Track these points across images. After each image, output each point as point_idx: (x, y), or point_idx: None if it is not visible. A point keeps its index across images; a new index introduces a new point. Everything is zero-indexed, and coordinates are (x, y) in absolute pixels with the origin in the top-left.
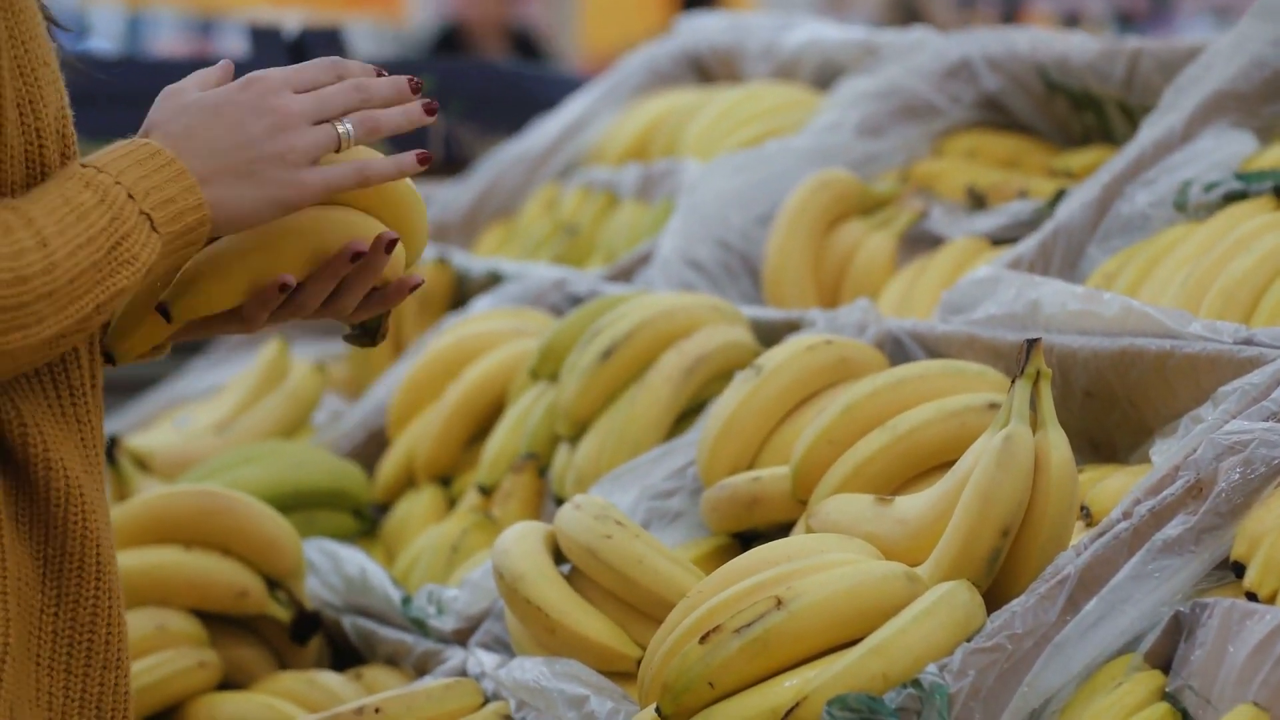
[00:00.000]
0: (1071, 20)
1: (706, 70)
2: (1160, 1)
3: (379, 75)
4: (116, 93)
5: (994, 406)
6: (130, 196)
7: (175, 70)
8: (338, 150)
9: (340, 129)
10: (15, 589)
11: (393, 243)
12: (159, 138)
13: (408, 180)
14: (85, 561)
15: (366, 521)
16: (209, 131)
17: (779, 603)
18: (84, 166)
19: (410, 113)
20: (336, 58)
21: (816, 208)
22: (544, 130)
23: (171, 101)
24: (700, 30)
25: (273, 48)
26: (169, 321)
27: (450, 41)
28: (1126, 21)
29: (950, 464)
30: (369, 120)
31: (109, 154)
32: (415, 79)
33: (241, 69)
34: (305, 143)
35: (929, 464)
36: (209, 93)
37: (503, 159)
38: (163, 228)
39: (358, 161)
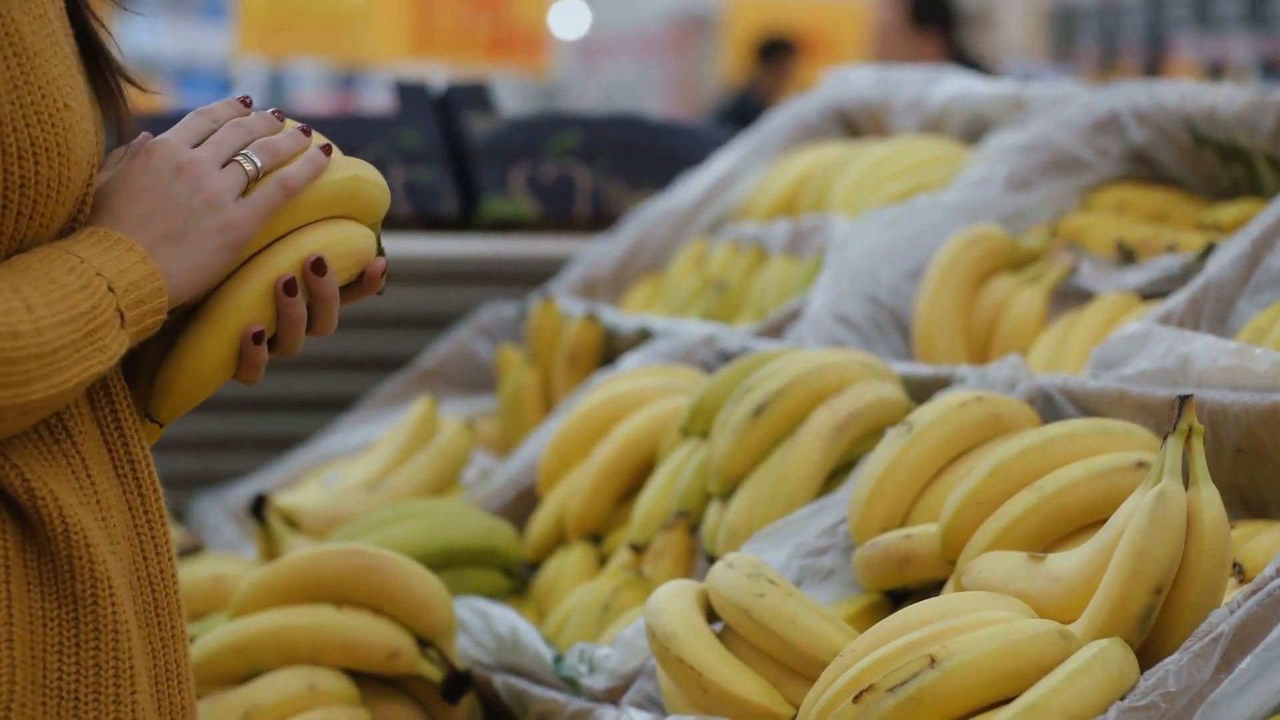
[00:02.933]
0: (1216, 68)
1: (853, 124)
2: None
3: (246, 108)
4: None
5: (1142, 465)
6: (110, 290)
7: (318, 126)
8: (251, 182)
9: (247, 165)
10: (23, 635)
11: (319, 263)
12: (107, 226)
13: (346, 166)
14: (99, 603)
15: (517, 580)
16: (137, 208)
17: (932, 661)
18: (66, 252)
19: (295, 136)
20: (202, 106)
21: (966, 263)
22: (692, 186)
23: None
24: (847, 84)
25: (419, 103)
26: (161, 427)
27: (745, 109)
28: (1271, 68)
29: (1098, 524)
30: (268, 147)
31: (81, 243)
32: (279, 109)
33: (388, 125)
34: (224, 184)
35: (1077, 524)
36: (115, 174)
37: (651, 215)
38: (130, 325)
39: (275, 176)
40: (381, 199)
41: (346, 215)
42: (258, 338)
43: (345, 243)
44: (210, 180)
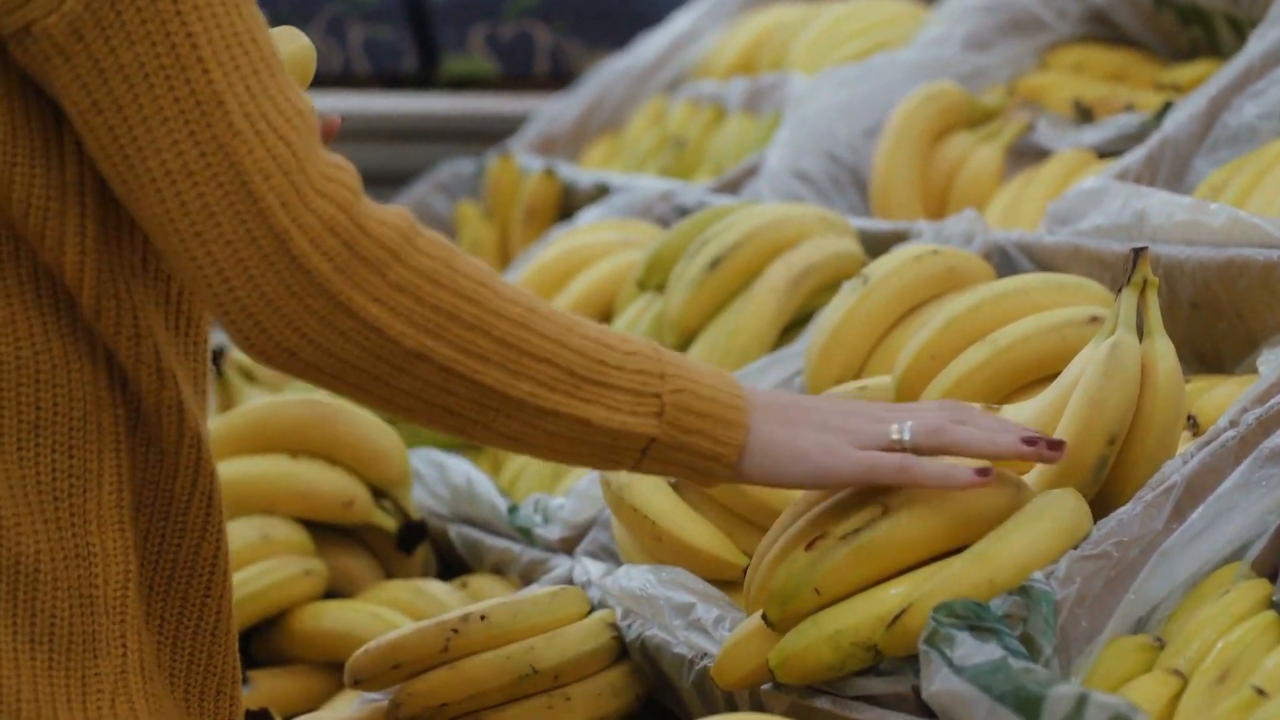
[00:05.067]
0: None
1: None
2: None
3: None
4: None
5: (1095, 320)
6: (663, 375)
7: None
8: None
9: (896, 430)
10: (133, 519)
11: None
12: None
13: (294, 36)
14: (211, 500)
15: None
16: (787, 395)
17: (885, 510)
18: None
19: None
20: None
21: (923, 120)
22: (651, 44)
23: None
24: None
25: None
26: None
27: None
28: None
29: (1051, 378)
30: (934, 434)
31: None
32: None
33: None
34: (864, 427)
35: (1029, 378)
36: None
37: (609, 73)
38: (669, 425)
39: (903, 457)
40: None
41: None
42: None
43: None
44: (855, 419)
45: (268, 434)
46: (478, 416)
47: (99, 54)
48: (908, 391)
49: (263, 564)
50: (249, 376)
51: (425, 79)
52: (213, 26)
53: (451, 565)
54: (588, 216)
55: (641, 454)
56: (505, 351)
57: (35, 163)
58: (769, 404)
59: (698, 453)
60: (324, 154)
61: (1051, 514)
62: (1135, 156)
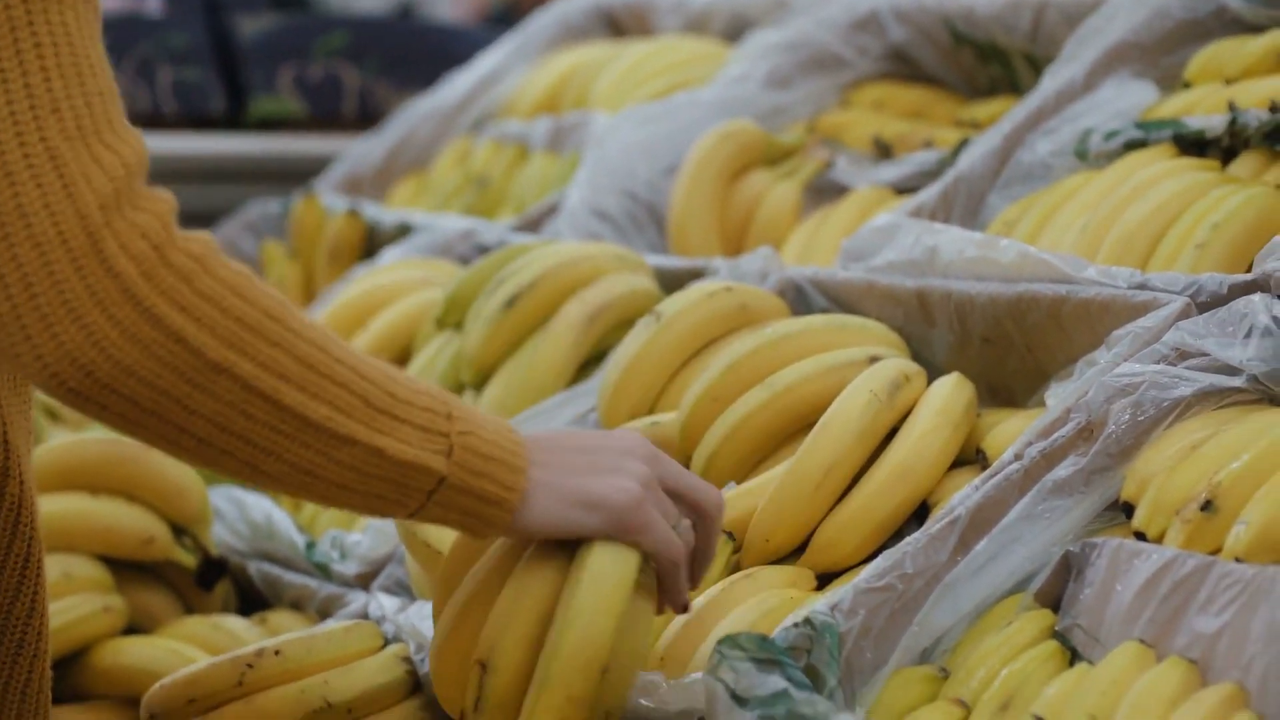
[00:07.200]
0: None
1: (618, 24)
2: None
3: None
4: None
5: (874, 360)
6: (450, 416)
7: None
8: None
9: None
10: None
11: None
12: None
13: None
14: (29, 560)
15: None
16: (560, 437)
17: None
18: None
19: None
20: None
21: (721, 158)
22: (457, 84)
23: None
24: None
25: (188, 3)
26: None
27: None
28: None
29: None
30: (680, 547)
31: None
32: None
33: (156, 25)
34: (638, 487)
35: (809, 419)
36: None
37: (416, 113)
38: (457, 466)
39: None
40: None
41: None
42: None
43: None
44: (629, 468)
45: (68, 472)
46: (272, 445)
47: None
48: (692, 434)
49: (63, 601)
50: (53, 416)
51: (234, 120)
52: (63, 41)
53: (251, 601)
54: (390, 256)
55: (428, 496)
56: (306, 372)
57: None
58: (545, 448)
59: (483, 497)
60: (147, 186)
61: None
62: (930, 193)
